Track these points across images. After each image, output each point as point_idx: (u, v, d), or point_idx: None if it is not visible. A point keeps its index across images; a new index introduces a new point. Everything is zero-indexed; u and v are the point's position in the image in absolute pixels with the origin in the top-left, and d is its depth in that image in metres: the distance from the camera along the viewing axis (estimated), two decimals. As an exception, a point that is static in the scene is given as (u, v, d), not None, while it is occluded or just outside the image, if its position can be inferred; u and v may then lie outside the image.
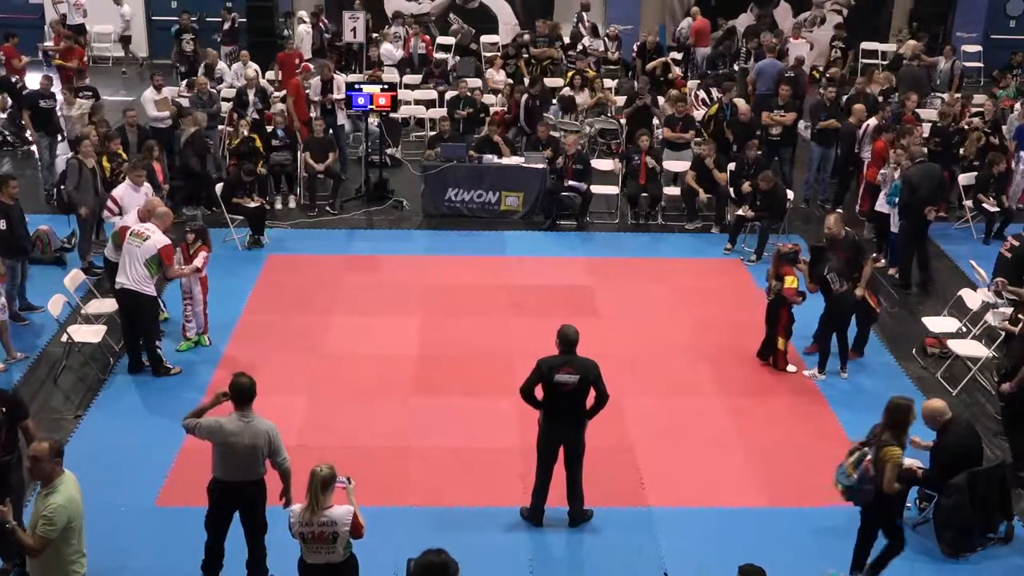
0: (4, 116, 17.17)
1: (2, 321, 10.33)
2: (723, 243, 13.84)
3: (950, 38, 21.93)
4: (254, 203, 13.62)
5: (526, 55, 19.79)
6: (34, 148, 15.75)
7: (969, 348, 10.59)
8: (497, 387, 9.86)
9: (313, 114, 15.71)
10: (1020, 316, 9.45)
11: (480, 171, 14.68)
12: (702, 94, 17.80)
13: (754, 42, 19.23)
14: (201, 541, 7.32)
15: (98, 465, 8.61)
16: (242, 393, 6.98)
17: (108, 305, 10.81)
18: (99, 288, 11.46)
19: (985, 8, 22.80)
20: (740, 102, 15.65)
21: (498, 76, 18.61)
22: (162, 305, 10.92)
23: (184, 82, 17.25)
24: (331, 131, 15.51)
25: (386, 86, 15.39)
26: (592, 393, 7.87)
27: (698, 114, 16.44)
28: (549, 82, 18.43)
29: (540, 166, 14.68)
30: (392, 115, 16.09)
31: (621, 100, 17.81)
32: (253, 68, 17.70)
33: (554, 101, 17.56)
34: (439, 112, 17.39)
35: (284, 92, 16.49)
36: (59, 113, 15.34)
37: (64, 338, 10.42)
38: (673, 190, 15.02)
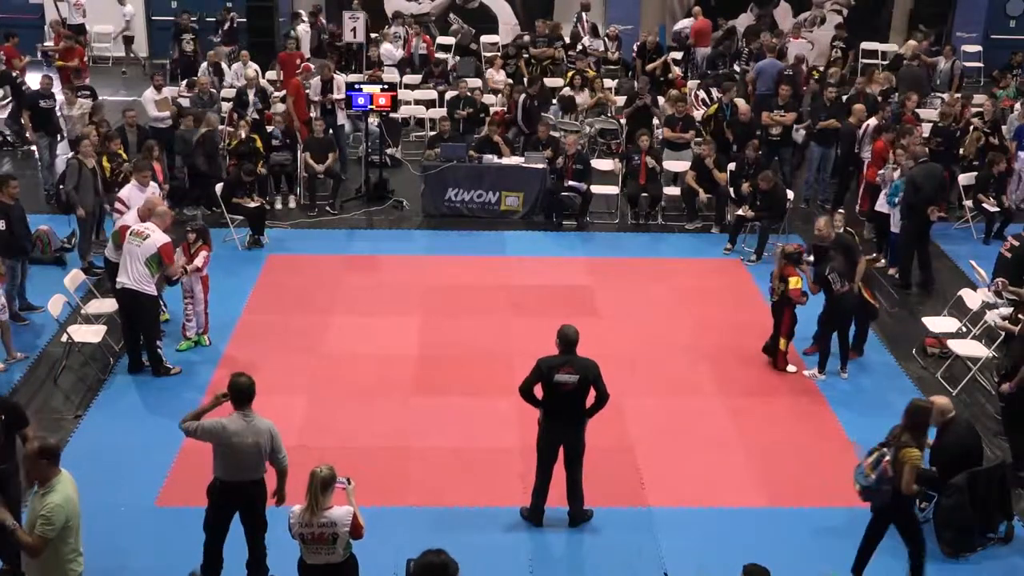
0: (5, 116, 17.17)
1: (3, 321, 10.34)
2: (723, 243, 13.84)
3: (950, 38, 21.93)
4: (254, 203, 13.63)
5: (526, 55, 19.79)
6: (34, 148, 15.75)
7: (969, 348, 10.60)
8: (497, 387, 9.86)
9: (313, 114, 15.71)
10: (1020, 316, 9.46)
11: (480, 171, 14.68)
12: (702, 94, 17.78)
13: (756, 43, 19.22)
14: (201, 541, 7.32)
15: (98, 465, 8.62)
16: (241, 393, 6.98)
17: (108, 305, 10.81)
18: (99, 288, 11.46)
19: (985, 8, 22.79)
20: (740, 102, 15.65)
21: (498, 76, 18.60)
22: (163, 305, 10.92)
23: (184, 82, 17.26)
24: (331, 131, 15.51)
25: (386, 86, 15.39)
26: (592, 393, 7.88)
27: (698, 114, 16.44)
28: (549, 82, 18.43)
29: (540, 166, 14.69)
30: (392, 115, 16.09)
31: (621, 100, 17.81)
32: (253, 68, 17.70)
33: (554, 101, 17.56)
34: (439, 112, 17.39)
35: (284, 92, 16.49)
36: (60, 113, 15.34)
37: (64, 338, 10.42)
38: (673, 190, 15.03)
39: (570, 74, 18.29)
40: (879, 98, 16.04)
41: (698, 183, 14.36)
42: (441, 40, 21.79)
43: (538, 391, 7.90)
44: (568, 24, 21.64)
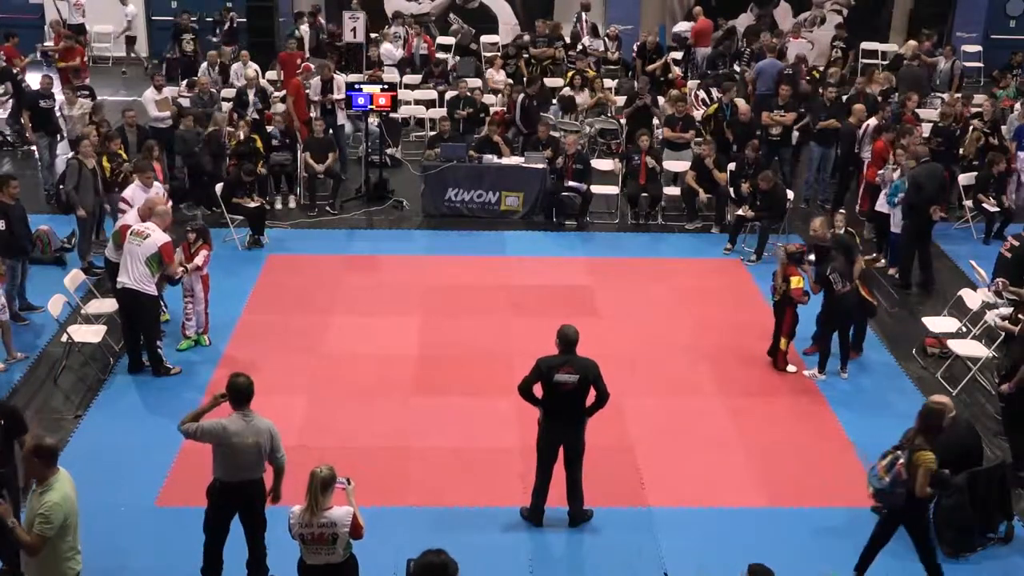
0: (5, 116, 17.17)
1: (3, 321, 10.34)
2: (723, 243, 13.84)
3: (950, 38, 21.93)
4: (254, 203, 13.63)
5: (526, 55, 19.79)
6: (34, 148, 15.75)
7: (969, 348, 10.60)
8: (497, 387, 9.85)
9: (313, 114, 15.71)
10: (1020, 316, 9.45)
11: (480, 171, 14.68)
12: (702, 94, 17.78)
13: (756, 43, 19.22)
14: (201, 541, 7.31)
15: (98, 465, 8.63)
16: (240, 393, 6.98)
17: (108, 305, 10.81)
18: (99, 288, 11.46)
19: (985, 8, 22.79)
20: (740, 102, 15.65)
21: (498, 76, 18.60)
22: (163, 305, 10.92)
23: (184, 82, 17.26)
24: (331, 131, 15.51)
25: (386, 86, 15.39)
26: (592, 392, 7.88)
27: (698, 114, 16.44)
28: (549, 82, 18.43)
29: (540, 166, 14.69)
30: (392, 115, 16.09)
31: (621, 100, 17.80)
32: (253, 68, 17.69)
33: (554, 101, 17.56)
34: (439, 112, 17.39)
35: (284, 92, 16.48)
36: (60, 113, 15.34)
37: (64, 338, 10.42)
38: (673, 190, 15.02)
39: (570, 74, 18.29)
40: (879, 98, 16.04)
41: (698, 183, 14.36)
42: (441, 40, 21.79)
43: (538, 391, 7.89)
44: (568, 24, 21.64)
